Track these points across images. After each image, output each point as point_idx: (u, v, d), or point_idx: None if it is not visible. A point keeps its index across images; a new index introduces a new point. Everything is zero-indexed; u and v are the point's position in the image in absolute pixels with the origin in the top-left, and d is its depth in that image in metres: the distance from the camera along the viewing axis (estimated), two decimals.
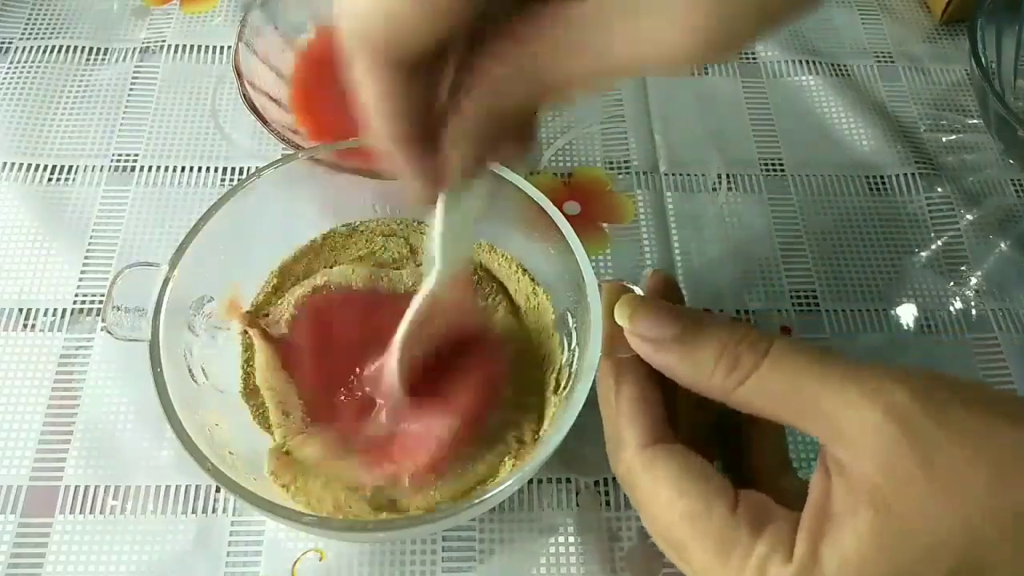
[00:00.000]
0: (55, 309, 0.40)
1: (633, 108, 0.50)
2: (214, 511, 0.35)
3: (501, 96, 0.21)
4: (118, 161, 0.46)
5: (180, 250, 0.31)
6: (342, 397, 0.34)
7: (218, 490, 0.36)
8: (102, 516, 0.35)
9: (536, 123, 0.26)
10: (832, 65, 0.53)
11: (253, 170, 0.34)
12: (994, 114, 0.44)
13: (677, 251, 0.44)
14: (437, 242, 0.29)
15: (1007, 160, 0.49)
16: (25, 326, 0.40)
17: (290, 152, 0.42)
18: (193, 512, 0.35)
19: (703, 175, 0.47)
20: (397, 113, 0.22)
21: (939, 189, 0.48)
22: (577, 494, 0.37)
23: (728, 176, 0.47)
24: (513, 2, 0.20)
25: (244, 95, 0.42)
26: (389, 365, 0.32)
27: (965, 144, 0.50)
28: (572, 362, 0.33)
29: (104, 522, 0.35)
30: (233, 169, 0.46)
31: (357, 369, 0.34)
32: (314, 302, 0.37)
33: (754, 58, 0.53)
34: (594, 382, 0.29)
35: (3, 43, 0.51)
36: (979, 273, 0.45)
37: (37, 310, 0.40)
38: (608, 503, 0.36)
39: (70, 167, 0.45)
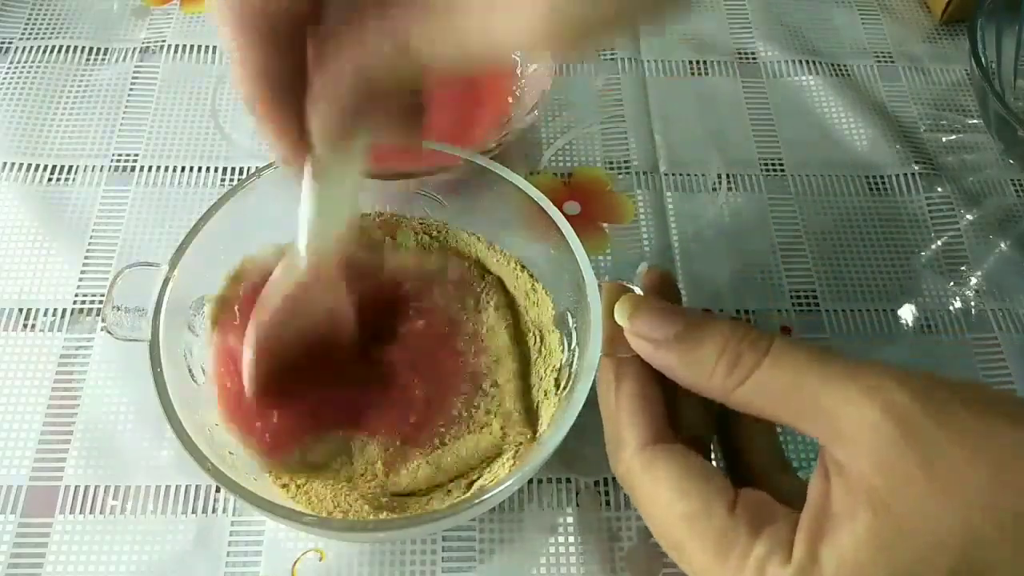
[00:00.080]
0: (55, 309, 0.40)
1: (633, 108, 0.50)
2: (214, 511, 0.35)
3: (365, 60, 0.22)
4: (118, 161, 0.46)
5: (180, 250, 0.31)
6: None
7: (218, 490, 0.36)
8: (102, 516, 0.35)
9: (421, 99, 0.26)
10: (832, 65, 0.53)
11: (253, 170, 0.34)
12: (994, 114, 0.44)
13: (677, 251, 0.44)
14: (300, 218, 0.28)
15: (1007, 160, 0.49)
16: (25, 326, 0.40)
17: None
18: (193, 512, 0.35)
19: (703, 175, 0.47)
20: (258, 74, 0.23)
21: (939, 189, 0.48)
22: (577, 494, 0.37)
23: (728, 176, 0.47)
24: None
25: None
26: (244, 358, 0.31)
27: (965, 144, 0.50)
28: (572, 362, 0.33)
29: (104, 522, 0.35)
30: (233, 169, 0.46)
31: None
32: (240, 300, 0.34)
33: (754, 58, 0.53)
34: (594, 382, 0.29)
35: (3, 43, 0.51)
36: (979, 273, 0.45)
37: (37, 310, 0.40)
38: (608, 503, 0.36)
39: (70, 167, 0.45)
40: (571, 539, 0.35)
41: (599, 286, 0.30)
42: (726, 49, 0.53)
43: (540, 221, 0.33)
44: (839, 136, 0.50)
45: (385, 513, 0.31)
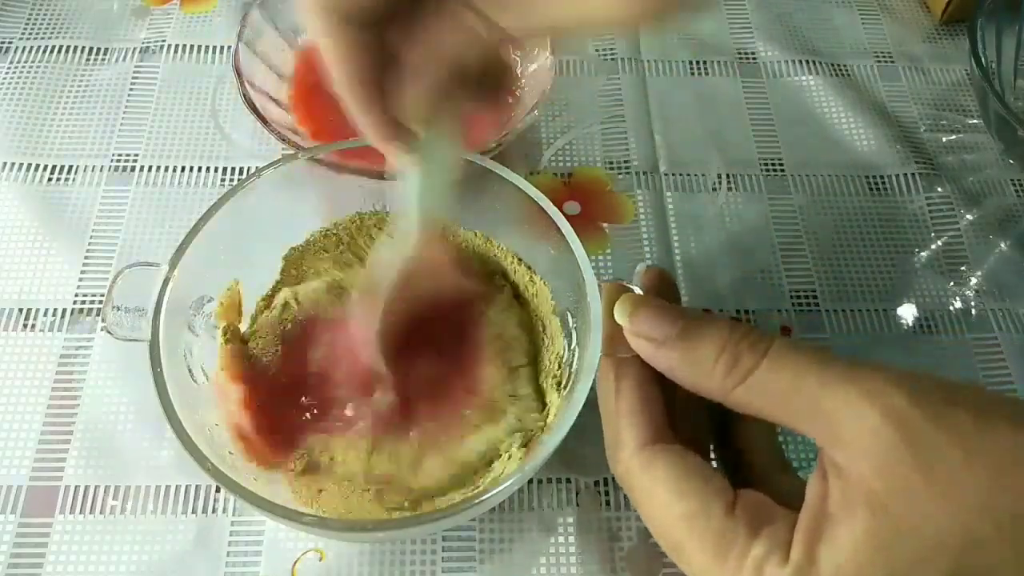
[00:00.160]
0: (55, 309, 0.40)
1: (633, 108, 0.50)
2: (214, 511, 0.35)
3: (458, 40, 0.23)
4: (118, 161, 0.46)
5: (180, 250, 0.31)
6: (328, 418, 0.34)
7: (218, 490, 0.36)
8: (102, 516, 0.35)
9: (507, 70, 0.28)
10: (832, 65, 0.53)
11: (253, 170, 0.34)
12: (994, 114, 0.44)
13: (677, 251, 0.44)
14: (411, 198, 0.29)
15: (1007, 160, 0.49)
16: (25, 326, 0.40)
17: (290, 152, 0.42)
18: (193, 512, 0.35)
19: (703, 175, 0.47)
20: (351, 65, 0.25)
21: (939, 189, 0.48)
22: (577, 494, 0.37)
23: (728, 176, 0.47)
24: None
25: (244, 95, 0.42)
26: (368, 342, 0.33)
27: (965, 144, 0.50)
28: (572, 362, 0.33)
29: (104, 522, 0.35)
30: (233, 169, 0.46)
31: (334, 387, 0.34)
32: (285, 335, 0.36)
33: (754, 58, 0.53)
34: (594, 382, 0.29)
35: (3, 43, 0.51)
36: (979, 273, 0.45)
37: (37, 310, 0.40)
38: (608, 503, 0.36)
39: (70, 167, 0.45)
40: (571, 539, 0.36)
41: (599, 286, 0.30)
42: (726, 49, 0.53)
43: (540, 221, 0.33)
44: (839, 136, 0.50)
45: (396, 513, 0.31)
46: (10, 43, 0.51)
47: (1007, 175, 0.49)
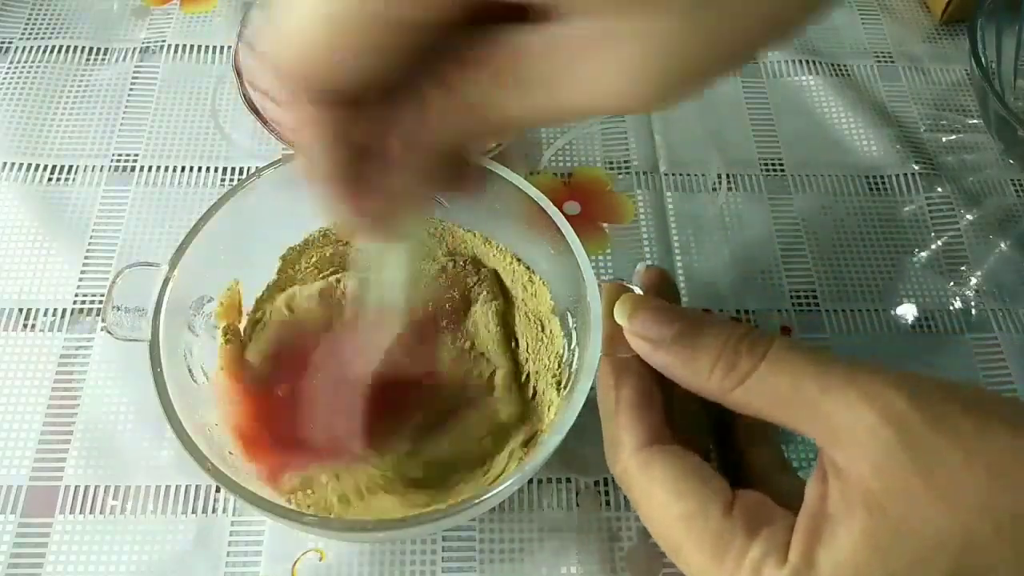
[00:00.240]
0: (55, 309, 0.40)
1: None
2: (214, 511, 0.36)
3: (449, 126, 0.21)
4: (118, 161, 0.46)
5: (180, 250, 0.31)
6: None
7: (218, 490, 0.36)
8: (102, 516, 0.35)
9: (474, 159, 0.27)
10: (832, 65, 0.53)
11: (253, 170, 0.34)
12: (994, 114, 0.44)
13: (677, 251, 0.44)
14: (383, 278, 0.30)
15: (1007, 160, 0.49)
16: (25, 326, 0.40)
17: (290, 152, 0.42)
18: (193, 512, 0.35)
19: (703, 175, 0.47)
20: (333, 151, 0.22)
21: (939, 189, 0.48)
22: (577, 494, 0.37)
23: (728, 176, 0.47)
24: (465, 32, 0.19)
25: (244, 95, 0.42)
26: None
27: (965, 144, 0.50)
28: (572, 362, 0.33)
29: (104, 522, 0.35)
30: (233, 169, 0.46)
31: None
32: (277, 350, 0.36)
33: (754, 58, 0.53)
34: (594, 382, 0.29)
35: (3, 43, 0.51)
36: (979, 273, 0.45)
37: (37, 310, 0.40)
38: (608, 503, 0.36)
39: (70, 167, 0.45)
40: (571, 539, 0.35)
41: (599, 286, 0.30)
42: None
43: (540, 221, 0.33)
44: (839, 136, 0.50)
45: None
46: (10, 43, 0.51)
47: (1007, 175, 0.49)
